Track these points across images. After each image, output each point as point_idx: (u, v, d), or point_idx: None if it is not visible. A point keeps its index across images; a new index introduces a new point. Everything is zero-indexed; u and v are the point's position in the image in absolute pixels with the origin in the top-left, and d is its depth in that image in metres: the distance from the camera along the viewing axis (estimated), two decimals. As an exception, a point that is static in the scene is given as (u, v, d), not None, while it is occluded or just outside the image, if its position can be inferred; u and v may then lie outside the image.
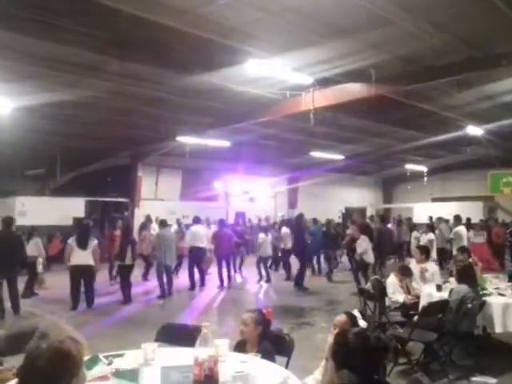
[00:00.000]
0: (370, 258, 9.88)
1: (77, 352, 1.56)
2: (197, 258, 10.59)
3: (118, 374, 2.62)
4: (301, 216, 11.57)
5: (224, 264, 10.94)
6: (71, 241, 8.27)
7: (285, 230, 12.22)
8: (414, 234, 13.59)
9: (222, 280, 10.77)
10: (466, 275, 5.25)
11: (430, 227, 12.28)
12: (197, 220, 11.08)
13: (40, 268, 9.87)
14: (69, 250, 8.19)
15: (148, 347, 2.91)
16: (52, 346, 1.51)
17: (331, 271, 11.90)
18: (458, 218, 11.09)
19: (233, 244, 11.36)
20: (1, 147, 12.22)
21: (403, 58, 7.94)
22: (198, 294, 10.19)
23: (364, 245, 9.75)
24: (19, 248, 7.77)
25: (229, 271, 11.23)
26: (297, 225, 11.47)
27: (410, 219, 17.43)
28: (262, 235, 11.76)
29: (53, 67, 7.92)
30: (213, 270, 11.56)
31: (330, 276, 11.75)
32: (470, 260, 6.34)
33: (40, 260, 9.91)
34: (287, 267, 12.08)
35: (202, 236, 10.68)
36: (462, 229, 10.50)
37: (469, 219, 14.81)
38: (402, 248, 14.57)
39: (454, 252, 9.73)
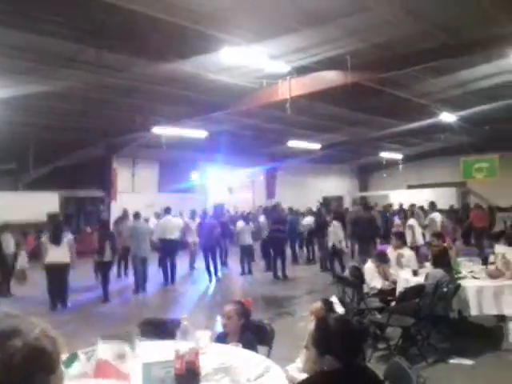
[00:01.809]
0: (341, 244, 10.03)
1: (53, 349, 1.48)
2: (168, 251, 10.21)
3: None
4: (277, 205, 11.60)
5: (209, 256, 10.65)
6: (44, 238, 8.07)
7: (262, 217, 12.21)
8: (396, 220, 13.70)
9: (209, 273, 10.55)
10: (441, 259, 5.37)
11: (410, 213, 12.46)
12: (167, 210, 10.62)
13: (23, 262, 9.61)
14: (43, 248, 7.96)
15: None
16: (26, 344, 1.43)
17: (325, 260, 11.56)
18: (432, 205, 11.29)
19: (217, 235, 10.94)
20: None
21: (379, 46, 7.97)
22: (177, 288, 10.11)
23: (335, 232, 9.85)
24: None
25: (215, 263, 10.84)
26: (274, 214, 11.50)
27: (390, 206, 17.68)
28: (240, 223, 11.66)
29: (28, 58, 7.71)
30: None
31: (323, 264, 11.52)
32: (445, 245, 6.45)
33: (23, 253, 9.68)
34: (267, 256, 11.99)
35: (172, 228, 10.21)
36: (436, 215, 10.69)
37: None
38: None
39: (428, 238, 9.90)
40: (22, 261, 9.59)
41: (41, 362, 1.44)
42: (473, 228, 13.40)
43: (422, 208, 13.93)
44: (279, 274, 10.68)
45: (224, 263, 12.48)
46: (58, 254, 7.83)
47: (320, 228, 12.02)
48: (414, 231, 10.06)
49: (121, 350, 2.61)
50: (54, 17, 6.37)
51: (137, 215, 9.96)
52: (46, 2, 6.03)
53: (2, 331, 1.46)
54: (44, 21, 6.39)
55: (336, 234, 9.90)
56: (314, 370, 2.22)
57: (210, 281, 10.51)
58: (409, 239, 9.74)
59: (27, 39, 6.93)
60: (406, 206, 16.05)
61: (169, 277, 10.19)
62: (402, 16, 6.75)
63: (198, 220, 12.14)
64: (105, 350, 2.61)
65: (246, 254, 11.43)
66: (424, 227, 10.45)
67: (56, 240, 7.90)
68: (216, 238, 10.85)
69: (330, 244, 10.15)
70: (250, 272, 11.31)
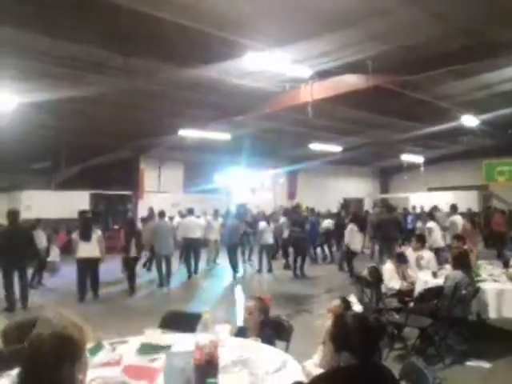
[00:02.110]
0: (355, 247, 10.08)
1: (79, 337, 1.62)
2: (191, 248, 10.92)
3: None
4: (297, 206, 11.76)
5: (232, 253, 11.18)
6: (75, 235, 8.47)
7: (283, 219, 12.40)
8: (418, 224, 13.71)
9: (233, 269, 10.96)
10: (461, 261, 5.38)
11: (430, 215, 12.38)
12: (190, 211, 11.46)
13: (55, 256, 10.09)
14: (74, 244, 8.41)
15: (151, 332, 3.05)
16: (55, 332, 1.56)
17: (342, 260, 11.77)
18: (454, 208, 11.18)
19: (239, 234, 11.53)
20: (8, 142, 12.33)
21: (401, 49, 7.93)
22: (199, 283, 10.49)
23: (349, 234, 9.94)
24: (27, 240, 7.91)
25: (236, 261, 11.31)
26: (294, 215, 11.66)
27: (405, 209, 17.67)
28: (262, 224, 11.93)
29: (58, 64, 7.98)
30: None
31: (342, 264, 11.67)
32: (465, 247, 6.46)
33: (55, 248, 10.15)
34: (287, 255, 12.30)
35: (194, 227, 11.02)
36: (457, 218, 10.61)
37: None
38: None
39: (449, 240, 9.83)
40: (54, 255, 10.10)
41: (68, 349, 1.57)
42: (492, 232, 13.16)
43: (434, 210, 13.87)
44: (298, 272, 10.87)
45: (249, 260, 12.87)
46: (87, 249, 8.24)
47: (339, 229, 12.19)
48: (432, 234, 10.01)
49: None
50: (83, 24, 6.62)
51: (162, 214, 10.30)
52: (77, 10, 6.22)
53: (32, 320, 1.61)
54: (74, 28, 6.61)
55: (351, 236, 9.97)
56: (331, 366, 2.24)
57: (233, 277, 10.83)
58: (428, 242, 9.69)
59: (58, 45, 7.20)
60: (427, 209, 15.98)
61: (192, 271, 10.84)
62: (423, 18, 6.72)
63: (220, 219, 12.55)
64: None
65: (267, 252, 11.70)
66: (444, 230, 10.37)
67: (85, 236, 8.29)
68: (238, 236, 11.37)
69: (345, 245, 10.30)
70: (270, 270, 11.60)
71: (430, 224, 10.61)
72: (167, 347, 2.85)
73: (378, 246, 11.79)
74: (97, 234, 8.47)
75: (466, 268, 5.30)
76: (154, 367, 2.67)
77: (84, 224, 8.79)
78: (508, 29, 7.18)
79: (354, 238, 10.10)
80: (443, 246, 9.84)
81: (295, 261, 11.09)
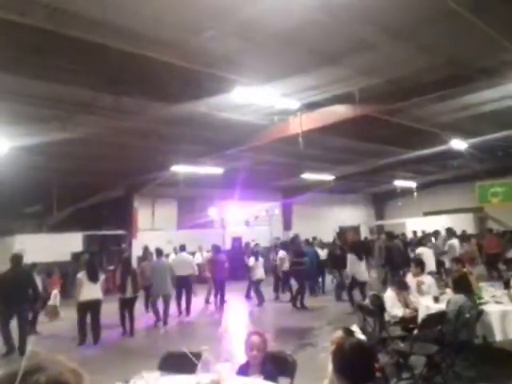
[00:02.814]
0: (361, 276, 9.93)
1: (76, 383, 1.47)
2: (181, 286, 10.57)
3: None
4: (296, 237, 11.72)
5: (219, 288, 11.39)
6: (81, 275, 8.14)
7: (282, 252, 12.34)
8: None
9: (215, 303, 11.16)
10: (462, 285, 5.34)
11: (419, 242, 12.53)
12: (182, 248, 11.15)
13: (55, 300, 9.90)
14: (78, 285, 8.08)
15: (149, 375, 2.94)
16: (50, 378, 1.42)
17: (339, 290, 11.87)
18: (450, 231, 11.24)
19: (226, 268, 11.72)
20: (-1, 186, 12.32)
21: (387, 79, 8.14)
22: (193, 321, 10.27)
23: (352, 264, 9.86)
24: (28, 284, 7.74)
25: (222, 295, 11.52)
26: (293, 246, 11.61)
27: (403, 234, 17.67)
28: (251, 259, 11.97)
29: (48, 106, 8.06)
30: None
31: (338, 294, 11.72)
32: (465, 270, 6.42)
33: (54, 293, 9.97)
34: (290, 288, 12.13)
35: (184, 264, 10.61)
36: (455, 241, 10.65)
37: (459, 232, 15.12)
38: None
39: (448, 264, 9.81)
40: (54, 299, 9.85)
41: None
42: (486, 254, 13.25)
43: (436, 234, 13.92)
44: (298, 305, 10.78)
45: (247, 296, 12.73)
46: (93, 290, 8.03)
47: (334, 259, 12.15)
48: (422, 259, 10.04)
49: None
50: (71, 66, 6.68)
51: (159, 252, 10.14)
52: (64, 52, 6.30)
53: (26, 368, 1.52)
54: (62, 70, 6.67)
55: (353, 265, 9.90)
56: None
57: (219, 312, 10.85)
58: None
59: (47, 88, 7.27)
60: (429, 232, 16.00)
61: (183, 310, 10.58)
62: (409, 52, 6.88)
63: (208, 254, 12.56)
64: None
65: (257, 286, 11.78)
66: (443, 254, 10.39)
67: (94, 277, 8.10)
68: (225, 271, 11.57)
69: (349, 275, 10.20)
70: (260, 304, 11.58)
71: (420, 250, 10.73)
72: None
73: (385, 273, 11.75)
74: (102, 276, 8.38)
75: (468, 291, 5.25)
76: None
77: (91, 264, 8.65)
78: (487, 55, 7.39)
79: (358, 267, 9.94)
80: (434, 271, 9.81)
81: (298, 293, 10.95)
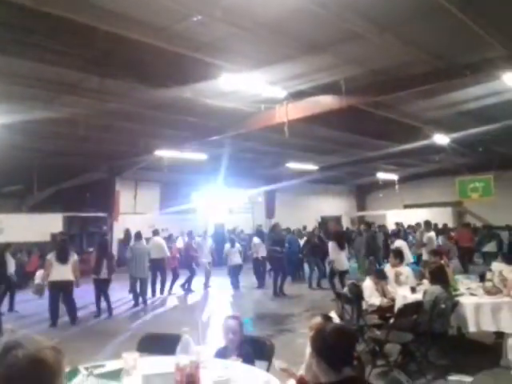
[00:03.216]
0: (341, 265, 10.07)
1: (54, 361, 1.51)
2: (154, 268, 10.95)
3: (101, 375, 2.66)
4: (276, 225, 11.83)
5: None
6: (50, 256, 8.21)
7: (256, 239, 12.47)
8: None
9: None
10: (439, 276, 5.45)
11: (395, 235, 12.79)
12: (155, 232, 11.66)
13: (39, 278, 9.86)
14: (48, 266, 8.15)
15: (129, 356, 2.95)
16: (27, 355, 1.46)
17: (311, 278, 12.25)
18: (428, 224, 11.44)
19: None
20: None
21: (373, 70, 8.17)
22: (175, 304, 10.42)
23: (332, 252, 10.01)
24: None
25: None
26: (273, 234, 11.68)
27: (383, 226, 17.95)
28: (227, 246, 12.26)
29: (33, 85, 7.91)
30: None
31: (310, 283, 12.09)
32: (442, 262, 6.56)
33: (40, 271, 9.91)
34: (260, 275, 12.42)
35: (156, 248, 10.93)
36: (432, 234, 10.87)
37: (435, 224, 15.49)
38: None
39: (425, 256, 10.03)
40: (39, 277, 9.85)
41: (41, 373, 1.45)
42: (459, 247, 13.66)
43: (415, 227, 14.20)
44: (278, 291, 10.90)
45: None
46: (63, 271, 8.04)
47: (311, 248, 12.25)
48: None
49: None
50: (57, 46, 6.58)
51: (138, 236, 10.33)
52: (51, 32, 6.22)
53: (4, 344, 1.51)
54: (48, 50, 6.56)
55: (333, 254, 10.05)
56: (313, 379, 2.27)
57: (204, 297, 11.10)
58: None
59: (31, 68, 7.14)
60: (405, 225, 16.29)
61: (156, 291, 11.06)
62: (395, 44, 6.93)
63: (210, 240, 12.91)
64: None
65: (234, 273, 12.12)
66: (422, 246, 10.60)
67: (62, 258, 8.09)
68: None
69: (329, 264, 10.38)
70: (237, 287, 11.98)
71: (397, 243, 10.95)
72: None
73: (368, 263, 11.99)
74: (73, 257, 8.31)
75: (444, 282, 5.37)
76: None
77: (61, 246, 8.59)
78: (476, 52, 7.49)
79: (338, 255, 10.07)
80: (411, 263, 10.03)
81: (275, 280, 11.05)
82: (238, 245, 12.50)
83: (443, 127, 12.43)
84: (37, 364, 1.46)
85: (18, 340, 1.54)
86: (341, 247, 10.09)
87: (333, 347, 2.20)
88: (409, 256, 10.46)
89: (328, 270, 11.06)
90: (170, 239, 12.55)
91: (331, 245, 10.19)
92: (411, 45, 7.15)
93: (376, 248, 11.54)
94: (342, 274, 10.16)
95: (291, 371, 2.78)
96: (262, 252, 12.15)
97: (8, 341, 1.55)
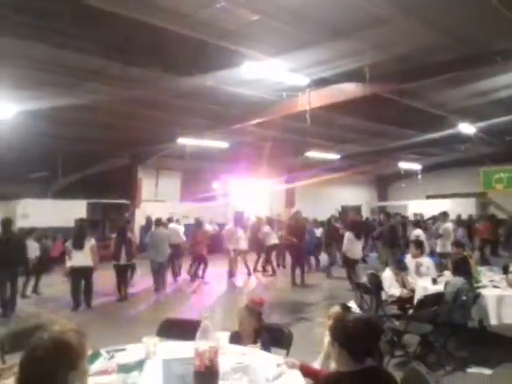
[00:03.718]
0: (354, 254, 10.04)
1: (78, 344, 1.55)
2: (172, 254, 11.12)
3: (122, 368, 2.67)
4: (297, 213, 11.71)
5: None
6: (68, 243, 8.49)
7: (267, 227, 12.56)
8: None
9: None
10: (462, 267, 5.39)
11: (416, 224, 12.60)
12: (170, 220, 12.15)
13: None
14: (67, 252, 8.43)
15: (149, 341, 3.00)
16: (52, 337, 1.52)
17: (329, 267, 12.23)
18: (445, 215, 11.24)
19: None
20: (5, 151, 12.34)
21: (397, 57, 7.99)
22: (196, 289, 10.56)
23: (347, 242, 9.99)
24: (19, 249, 7.90)
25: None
26: (295, 222, 11.56)
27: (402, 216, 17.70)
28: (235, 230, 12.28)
29: (56, 72, 8.02)
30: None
31: (329, 272, 12.03)
32: (465, 253, 6.45)
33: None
34: (271, 263, 12.53)
35: (175, 234, 11.25)
36: (449, 225, 10.69)
37: (459, 216, 15.41)
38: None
39: (439, 248, 9.89)
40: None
41: (64, 355, 1.51)
42: (480, 239, 13.52)
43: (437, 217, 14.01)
44: (298, 281, 10.86)
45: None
46: (80, 257, 8.23)
47: (328, 237, 12.19)
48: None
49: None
50: (82, 32, 6.66)
51: (158, 222, 10.49)
52: (75, 19, 6.27)
53: (29, 330, 1.57)
54: (72, 36, 6.63)
55: (350, 243, 10.02)
56: (332, 362, 2.34)
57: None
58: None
59: (56, 54, 7.21)
60: (426, 216, 16.04)
61: (178, 275, 11.42)
62: (420, 28, 6.77)
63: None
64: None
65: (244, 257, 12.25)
66: (437, 237, 10.42)
67: (78, 245, 8.28)
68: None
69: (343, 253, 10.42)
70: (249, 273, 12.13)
71: (417, 232, 10.86)
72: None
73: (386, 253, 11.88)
74: (90, 242, 8.42)
75: (467, 274, 5.29)
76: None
77: (77, 232, 8.76)
78: (503, 38, 7.24)
79: (352, 245, 10.03)
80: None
81: (294, 269, 11.05)
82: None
83: (470, 116, 12.12)
84: (61, 346, 1.52)
85: (43, 322, 1.59)
86: (357, 237, 10.07)
87: (358, 338, 2.19)
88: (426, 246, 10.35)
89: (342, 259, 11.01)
90: (199, 226, 12.60)
91: (348, 234, 10.14)
92: (438, 30, 6.95)
93: (396, 238, 11.37)
94: (354, 263, 10.13)
95: (290, 362, 2.78)
96: (274, 239, 12.38)
97: (34, 323, 1.61)
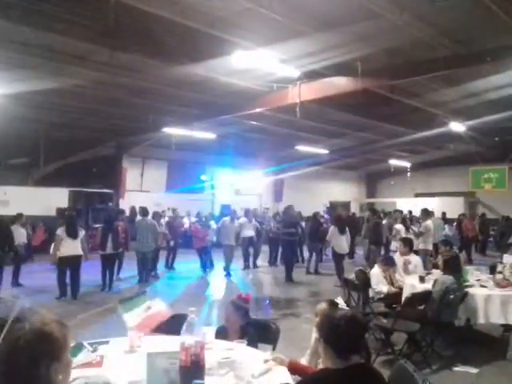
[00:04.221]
0: (340, 249, 10.10)
1: (60, 335, 1.52)
2: None
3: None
4: (289, 207, 11.41)
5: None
6: (60, 231, 8.20)
7: (243, 219, 12.43)
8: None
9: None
10: (454, 266, 5.34)
11: (402, 220, 12.66)
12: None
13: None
14: (58, 241, 8.15)
15: (134, 334, 2.91)
16: (34, 327, 1.48)
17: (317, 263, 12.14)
18: (426, 212, 11.24)
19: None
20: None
21: (390, 52, 7.97)
22: (181, 282, 10.42)
23: (331, 236, 10.10)
24: (4, 235, 7.69)
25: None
26: (286, 216, 11.39)
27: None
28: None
29: (40, 55, 7.79)
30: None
31: (316, 268, 11.94)
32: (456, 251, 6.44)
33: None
34: (245, 256, 12.41)
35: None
36: (429, 223, 10.73)
37: (444, 213, 15.52)
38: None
39: (420, 245, 9.97)
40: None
41: (46, 346, 1.47)
42: (463, 237, 13.76)
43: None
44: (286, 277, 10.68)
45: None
46: (73, 246, 8.10)
47: (312, 232, 12.18)
48: (398, 236, 10.37)
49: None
50: (68, 16, 6.44)
51: (144, 211, 10.34)
52: (60, 1, 6.11)
53: (12, 317, 1.48)
54: (57, 19, 6.45)
55: (334, 238, 10.10)
56: (318, 364, 2.29)
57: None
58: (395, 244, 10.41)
59: (40, 36, 7.00)
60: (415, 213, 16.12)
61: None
62: (413, 23, 6.75)
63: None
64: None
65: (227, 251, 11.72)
66: (418, 235, 10.40)
67: (73, 234, 8.12)
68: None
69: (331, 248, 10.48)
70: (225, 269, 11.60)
71: (398, 226, 11.00)
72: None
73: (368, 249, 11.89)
74: (82, 232, 8.38)
75: (457, 273, 5.26)
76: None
77: (71, 221, 8.57)
78: (496, 37, 7.23)
79: (336, 240, 10.08)
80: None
81: (287, 264, 10.87)
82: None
83: (460, 115, 12.19)
84: (43, 337, 1.48)
85: (24, 313, 1.53)
86: (341, 232, 10.10)
87: (343, 335, 2.16)
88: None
89: (330, 253, 11.02)
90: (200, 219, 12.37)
91: (332, 229, 10.23)
92: (431, 27, 6.95)
93: (379, 236, 11.32)
94: (341, 258, 10.18)
95: (279, 359, 2.71)
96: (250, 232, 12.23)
97: (15, 314, 1.52)
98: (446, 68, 8.26)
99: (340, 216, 11.85)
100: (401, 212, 13.82)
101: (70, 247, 8.06)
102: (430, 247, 10.20)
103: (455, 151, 18.42)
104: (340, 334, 2.16)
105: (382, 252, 11.13)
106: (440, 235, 11.94)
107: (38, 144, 14.77)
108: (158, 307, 3.16)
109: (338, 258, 10.11)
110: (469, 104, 11.20)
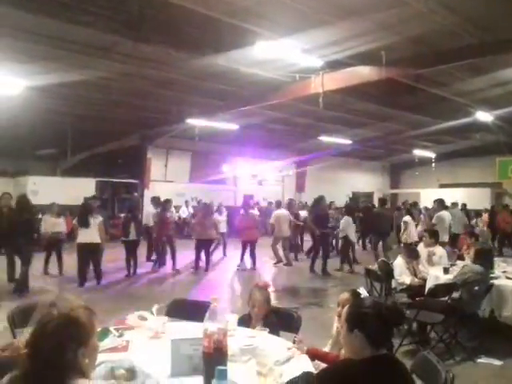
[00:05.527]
0: (352, 237, 10.75)
1: (87, 321, 1.57)
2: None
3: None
4: (321, 199, 10.85)
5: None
6: (75, 220, 8.57)
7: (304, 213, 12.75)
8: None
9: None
10: (484, 257, 5.25)
11: (407, 211, 12.43)
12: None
13: None
14: (74, 229, 8.56)
15: (158, 319, 2.98)
16: (62, 313, 1.53)
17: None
18: (441, 203, 10.97)
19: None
20: (13, 127, 12.33)
21: (414, 41, 7.81)
22: (208, 273, 10.33)
23: (345, 225, 10.56)
24: (30, 226, 7.89)
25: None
26: (318, 209, 10.91)
27: (405, 202, 17.44)
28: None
29: (66, 48, 7.94)
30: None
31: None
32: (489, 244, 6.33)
33: None
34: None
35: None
36: (444, 213, 10.49)
37: (464, 204, 15.18)
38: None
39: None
40: None
41: (73, 331, 1.52)
42: (497, 230, 13.36)
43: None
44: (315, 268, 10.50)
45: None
46: (86, 234, 8.26)
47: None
48: (408, 228, 10.52)
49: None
50: (92, 8, 6.54)
51: (166, 202, 10.40)
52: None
53: (38, 305, 1.56)
54: (83, 11, 6.55)
55: (345, 227, 10.55)
56: (343, 347, 2.24)
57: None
58: (404, 236, 10.53)
59: (66, 29, 7.11)
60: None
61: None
62: (438, 11, 6.59)
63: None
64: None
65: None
66: (431, 226, 10.16)
67: (83, 222, 8.29)
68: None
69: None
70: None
71: (406, 218, 10.90)
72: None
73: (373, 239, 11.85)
74: (97, 219, 8.39)
75: (488, 264, 5.19)
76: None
77: (81, 210, 8.75)
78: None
79: (350, 229, 10.60)
80: (416, 241, 9.69)
81: (315, 257, 10.59)
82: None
83: (487, 104, 11.86)
84: (71, 322, 1.53)
85: (53, 299, 1.59)
86: (354, 221, 10.67)
87: (381, 324, 2.13)
88: (413, 233, 10.56)
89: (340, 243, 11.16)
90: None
91: (345, 218, 10.58)
92: (457, 15, 6.79)
93: (380, 227, 11.09)
94: (353, 246, 10.73)
95: (300, 346, 2.73)
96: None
97: (43, 299, 1.59)
98: (471, 56, 8.09)
99: (350, 206, 12.50)
100: (414, 204, 13.65)
101: (84, 235, 8.24)
102: (445, 238, 9.93)
103: (482, 141, 17.94)
104: (377, 322, 2.13)
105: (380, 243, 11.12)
106: (460, 226, 11.62)
107: (66, 135, 15.14)
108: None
109: (349, 245, 10.63)
110: (496, 93, 10.91)
